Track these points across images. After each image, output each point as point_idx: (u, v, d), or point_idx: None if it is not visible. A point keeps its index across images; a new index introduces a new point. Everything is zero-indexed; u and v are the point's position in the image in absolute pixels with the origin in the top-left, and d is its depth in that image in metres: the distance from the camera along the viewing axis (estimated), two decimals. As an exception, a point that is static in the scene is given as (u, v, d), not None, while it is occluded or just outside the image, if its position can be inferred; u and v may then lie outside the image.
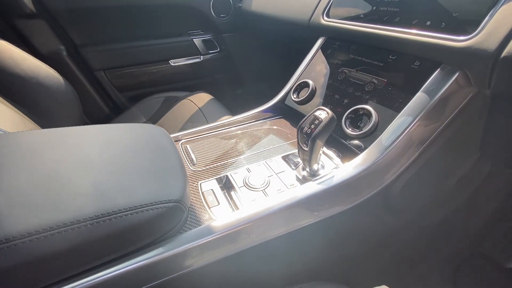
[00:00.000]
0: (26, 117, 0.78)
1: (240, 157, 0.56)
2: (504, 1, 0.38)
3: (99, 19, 1.04)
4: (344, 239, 0.58)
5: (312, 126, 0.41)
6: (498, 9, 0.38)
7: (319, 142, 0.41)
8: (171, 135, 0.61)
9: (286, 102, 0.70)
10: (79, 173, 0.33)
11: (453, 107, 0.46)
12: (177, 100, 1.06)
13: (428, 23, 0.47)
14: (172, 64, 1.19)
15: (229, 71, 1.35)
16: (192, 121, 0.92)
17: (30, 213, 0.27)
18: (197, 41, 1.20)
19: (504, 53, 0.36)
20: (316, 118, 0.41)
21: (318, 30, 0.72)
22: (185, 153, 0.57)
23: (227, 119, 0.86)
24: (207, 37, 1.22)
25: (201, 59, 1.24)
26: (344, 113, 0.54)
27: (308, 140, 0.41)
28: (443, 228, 0.74)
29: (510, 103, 0.46)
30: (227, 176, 0.50)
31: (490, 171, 0.66)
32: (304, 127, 0.42)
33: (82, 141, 0.38)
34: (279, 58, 1.33)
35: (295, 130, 0.66)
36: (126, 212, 0.30)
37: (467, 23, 0.42)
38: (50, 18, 0.95)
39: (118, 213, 0.30)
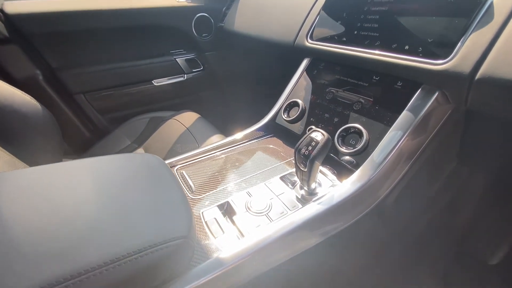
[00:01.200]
0: (2, 148, 0.73)
1: (238, 180, 0.56)
2: (474, 29, 0.43)
3: (76, 41, 1.01)
4: (342, 255, 0.59)
5: (310, 148, 0.42)
6: (469, 36, 0.43)
7: (317, 163, 0.43)
8: (166, 161, 0.60)
9: (277, 121, 0.72)
10: (77, 217, 0.31)
11: (435, 122, 0.50)
12: (163, 120, 1.04)
13: (407, 47, 0.51)
14: (156, 84, 1.18)
15: (213, 89, 1.36)
16: (181, 142, 0.91)
17: (27, 268, 0.25)
18: (180, 60, 1.20)
19: (478, 76, 0.41)
20: (312, 139, 0.43)
21: (303, 52, 0.75)
22: (182, 180, 0.56)
23: (218, 139, 0.86)
24: (190, 56, 1.23)
25: (185, 78, 1.23)
26: (336, 132, 0.57)
27: (306, 161, 0.42)
28: (430, 230, 0.78)
29: (483, 118, 0.51)
30: (228, 202, 0.50)
31: (468, 174, 0.71)
32: (301, 149, 0.43)
33: (74, 180, 0.36)
34: (264, 76, 1.36)
35: (288, 148, 0.67)
36: (135, 255, 0.29)
37: (442, 48, 0.46)
38: (24, 42, 0.91)
39: (123, 259, 0.28)
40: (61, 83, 1.00)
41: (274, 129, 0.74)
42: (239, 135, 0.71)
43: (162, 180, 0.41)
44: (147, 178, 0.40)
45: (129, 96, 1.15)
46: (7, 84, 0.79)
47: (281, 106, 0.72)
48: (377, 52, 0.55)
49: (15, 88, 0.80)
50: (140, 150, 0.98)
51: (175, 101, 1.27)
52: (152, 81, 1.17)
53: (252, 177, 0.56)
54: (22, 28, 0.89)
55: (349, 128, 0.55)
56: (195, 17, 1.17)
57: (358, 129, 0.54)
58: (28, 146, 0.82)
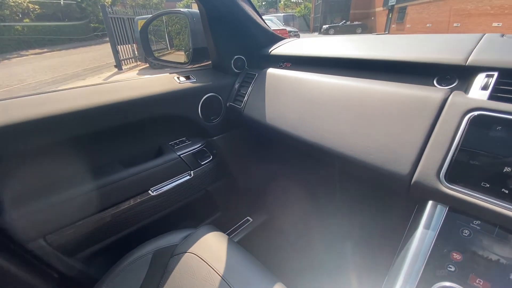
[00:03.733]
0: None
1: None
2: None
3: (23, 164, 0.65)
4: None
5: None
6: None
7: None
8: None
9: None
10: None
11: None
12: (173, 255, 0.71)
13: None
14: (153, 193, 0.84)
15: (224, 179, 1.06)
16: None
17: None
18: (186, 156, 0.90)
19: None
20: None
21: (425, 195, 0.48)
22: None
23: None
24: (197, 148, 0.93)
25: (192, 175, 0.92)
26: None
27: None
28: None
29: None
30: None
31: None
32: None
33: None
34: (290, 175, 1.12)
35: None
36: None
37: None
38: None
39: None
40: (4, 232, 0.61)
41: None
42: None
43: None
44: None
45: (117, 217, 0.79)
46: None
47: None
48: None
49: None
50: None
51: (178, 205, 0.93)
52: (149, 191, 0.83)
53: None
54: None
55: None
56: (202, 99, 0.90)
57: None
58: None
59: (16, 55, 11.52)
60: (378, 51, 0.68)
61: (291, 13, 21.83)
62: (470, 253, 0.44)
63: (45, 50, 12.83)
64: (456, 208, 0.46)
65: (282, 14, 18.43)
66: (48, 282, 0.71)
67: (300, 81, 0.76)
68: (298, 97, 0.74)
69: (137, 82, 0.82)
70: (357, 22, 21.58)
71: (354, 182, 0.82)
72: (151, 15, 1.12)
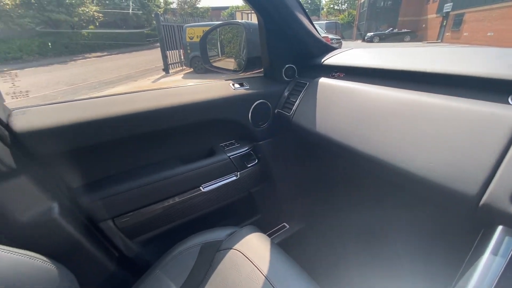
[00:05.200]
0: None
1: None
2: None
3: (105, 153, 0.76)
4: None
5: None
6: None
7: None
8: None
9: None
10: None
11: None
12: (219, 249, 0.75)
13: None
14: (204, 190, 0.90)
15: (267, 182, 1.10)
16: None
17: None
18: (234, 158, 0.95)
19: None
20: None
21: (493, 217, 0.46)
22: None
23: None
24: (244, 151, 0.98)
25: (238, 176, 0.97)
26: None
27: None
28: None
29: None
30: None
31: None
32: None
33: None
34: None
35: None
36: None
37: None
38: (37, 169, 0.64)
39: None
40: (82, 211, 0.72)
41: None
42: None
43: None
44: None
45: (172, 208, 0.87)
46: (7, 251, 0.50)
47: None
48: None
49: (18, 252, 0.51)
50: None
51: (224, 202, 0.99)
52: (200, 187, 0.90)
53: None
54: (36, 148, 0.63)
55: None
56: (253, 105, 0.95)
57: None
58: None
59: (81, 57, 13.10)
60: (441, 64, 0.66)
61: (334, 21, 21.47)
62: None
63: (105, 53, 14.37)
64: None
65: (325, 21, 18.24)
66: (109, 259, 0.81)
67: (355, 91, 0.76)
68: (353, 108, 0.73)
69: (198, 87, 0.90)
70: (405, 30, 20.40)
71: (410, 199, 0.79)
72: (201, 23, 1.23)
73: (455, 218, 0.64)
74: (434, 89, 0.63)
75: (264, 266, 0.68)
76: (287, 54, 0.99)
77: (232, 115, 0.92)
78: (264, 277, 0.66)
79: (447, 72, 0.62)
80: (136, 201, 0.80)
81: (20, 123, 0.62)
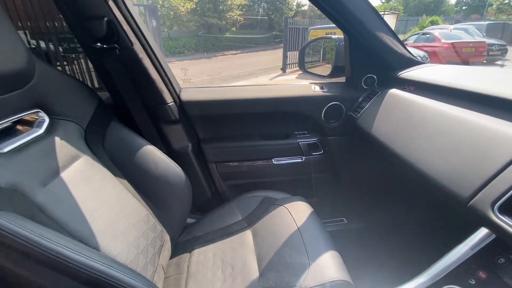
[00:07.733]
0: (148, 209, 0.87)
1: None
2: None
3: (222, 121, 1.19)
4: None
5: None
6: None
7: None
8: None
9: None
10: None
11: None
12: (274, 204, 1.04)
13: None
14: (275, 162, 1.22)
15: (327, 172, 1.30)
16: (289, 247, 0.85)
17: None
18: (302, 144, 1.21)
19: None
20: None
21: (477, 220, 0.54)
22: None
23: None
24: (313, 140, 1.23)
25: (303, 159, 1.23)
26: None
27: None
28: None
29: None
30: None
31: None
32: None
33: None
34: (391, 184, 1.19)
35: None
36: None
37: None
38: (186, 122, 1.13)
39: None
40: (202, 153, 1.18)
41: None
42: None
43: None
44: None
45: (251, 168, 1.24)
46: (166, 157, 0.96)
47: None
48: None
49: (170, 160, 0.97)
50: (248, 232, 0.99)
51: (288, 178, 1.27)
52: (272, 160, 1.22)
53: None
54: (189, 111, 1.11)
55: None
56: (327, 106, 1.16)
57: None
58: (164, 207, 0.97)
59: (221, 54, 16.04)
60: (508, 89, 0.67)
61: (502, 21, 16.39)
62: (496, 277, 0.50)
63: (239, 51, 16.97)
64: (503, 239, 0.50)
65: (487, 22, 14.31)
66: (209, 189, 1.26)
67: (417, 105, 0.84)
68: (409, 119, 0.83)
69: (287, 87, 1.21)
70: None
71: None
72: (325, 25, 1.51)
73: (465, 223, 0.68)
74: (495, 113, 0.62)
75: (300, 222, 0.93)
76: (367, 66, 1.13)
77: (308, 111, 1.18)
78: (297, 228, 0.90)
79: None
80: (232, 156, 1.21)
81: (184, 95, 1.12)
